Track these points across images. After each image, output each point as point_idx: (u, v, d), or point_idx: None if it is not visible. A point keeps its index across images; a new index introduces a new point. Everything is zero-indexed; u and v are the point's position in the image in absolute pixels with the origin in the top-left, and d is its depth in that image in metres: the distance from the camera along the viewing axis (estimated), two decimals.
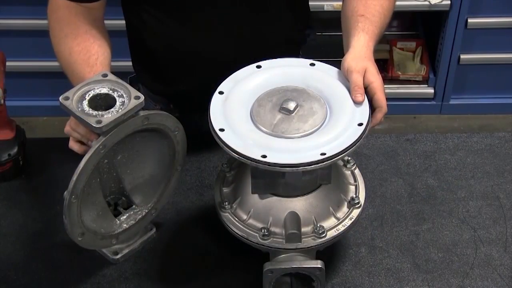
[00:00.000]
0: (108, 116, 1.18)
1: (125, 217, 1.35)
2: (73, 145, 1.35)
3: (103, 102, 1.22)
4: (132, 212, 1.36)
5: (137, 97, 1.21)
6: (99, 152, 1.20)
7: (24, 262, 1.42)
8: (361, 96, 1.23)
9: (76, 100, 1.20)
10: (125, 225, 1.35)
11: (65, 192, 1.21)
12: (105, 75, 1.24)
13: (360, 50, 1.30)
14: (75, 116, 1.19)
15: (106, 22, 1.49)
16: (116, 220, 1.34)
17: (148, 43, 1.56)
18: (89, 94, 1.21)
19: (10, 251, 1.44)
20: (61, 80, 1.40)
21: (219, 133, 1.20)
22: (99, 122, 1.17)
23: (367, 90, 1.26)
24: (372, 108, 1.25)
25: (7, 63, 1.61)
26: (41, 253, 1.43)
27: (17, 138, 1.58)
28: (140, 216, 1.36)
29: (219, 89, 1.28)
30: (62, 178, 1.57)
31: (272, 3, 1.52)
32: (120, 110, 1.19)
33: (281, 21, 1.56)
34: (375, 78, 1.26)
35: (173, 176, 1.37)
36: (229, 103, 1.25)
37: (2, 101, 1.52)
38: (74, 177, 1.20)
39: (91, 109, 1.20)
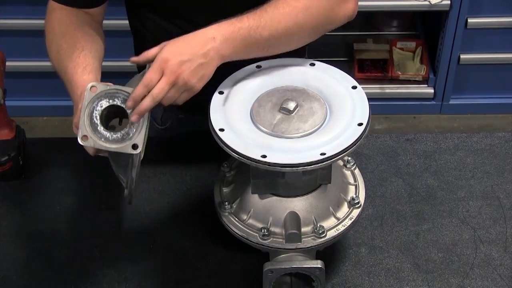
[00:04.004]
0: (135, 132, 1.15)
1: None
2: (88, 150, 1.26)
3: (111, 114, 1.19)
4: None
5: None
6: (139, 161, 1.18)
7: (24, 262, 1.42)
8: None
9: (91, 133, 1.16)
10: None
11: (125, 192, 1.20)
12: (93, 87, 1.18)
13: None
14: (110, 152, 1.16)
15: (106, 22, 1.49)
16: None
17: (149, 46, 1.55)
18: (96, 117, 1.16)
19: (10, 251, 1.44)
20: (61, 80, 1.40)
21: (219, 133, 1.20)
22: (135, 147, 1.15)
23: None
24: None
25: (7, 63, 1.61)
26: (41, 253, 1.43)
27: (17, 138, 1.58)
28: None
29: (219, 89, 1.28)
30: (62, 178, 1.58)
31: None
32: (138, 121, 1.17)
33: None
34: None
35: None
36: (229, 103, 1.26)
37: (2, 101, 1.52)
38: (132, 186, 1.17)
39: (112, 132, 1.16)
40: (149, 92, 1.21)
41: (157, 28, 1.50)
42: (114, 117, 1.20)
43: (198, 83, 1.24)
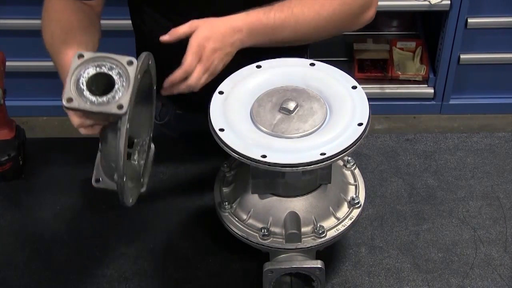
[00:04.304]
0: (121, 96, 1.13)
1: (136, 155, 1.31)
2: (88, 131, 1.25)
3: (99, 83, 1.17)
4: (138, 147, 1.32)
5: (129, 62, 1.16)
6: (127, 130, 1.17)
7: (24, 262, 1.42)
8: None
9: (76, 96, 1.15)
10: (142, 161, 1.31)
11: (115, 176, 1.18)
12: (80, 56, 1.16)
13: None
14: (91, 112, 1.16)
15: (106, 22, 1.49)
16: (132, 161, 1.30)
17: (149, 43, 1.55)
18: (82, 83, 1.15)
19: (10, 251, 1.44)
20: (61, 80, 1.40)
21: (219, 133, 1.20)
22: (120, 107, 1.13)
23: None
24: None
25: (7, 63, 1.61)
26: (41, 253, 1.43)
27: (17, 138, 1.58)
28: (146, 147, 1.32)
29: (219, 89, 1.28)
30: (62, 178, 1.58)
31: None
32: (124, 83, 1.14)
33: None
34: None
35: (153, 105, 1.33)
36: (229, 103, 1.25)
37: (2, 101, 1.52)
38: (120, 163, 1.15)
39: (97, 96, 1.14)
40: (186, 76, 1.28)
41: (155, 25, 1.50)
42: (102, 87, 1.17)
43: (220, 70, 1.32)
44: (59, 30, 1.36)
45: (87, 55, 1.17)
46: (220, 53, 1.30)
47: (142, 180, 1.29)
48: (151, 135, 1.34)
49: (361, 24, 1.42)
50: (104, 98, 1.14)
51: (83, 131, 1.23)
